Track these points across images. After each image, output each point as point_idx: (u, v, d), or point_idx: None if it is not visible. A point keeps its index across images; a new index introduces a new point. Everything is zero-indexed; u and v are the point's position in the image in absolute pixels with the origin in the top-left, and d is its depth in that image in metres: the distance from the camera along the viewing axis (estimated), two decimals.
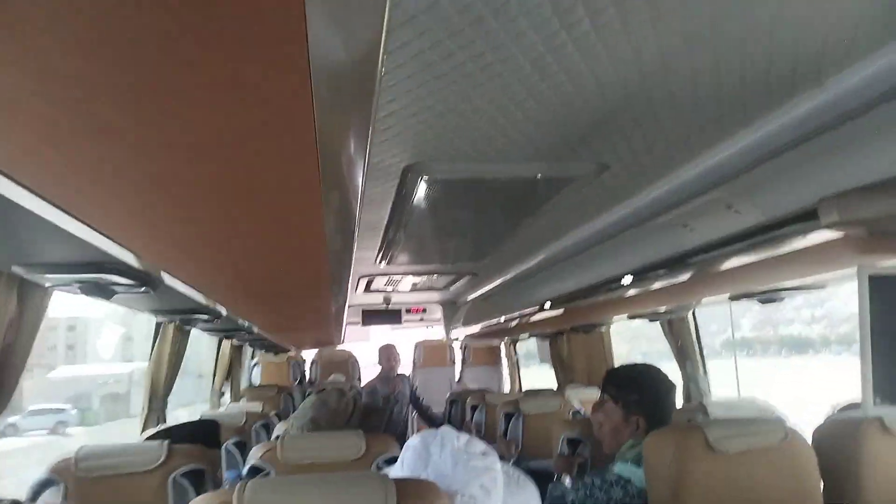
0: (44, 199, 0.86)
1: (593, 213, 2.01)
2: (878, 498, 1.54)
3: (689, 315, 3.41)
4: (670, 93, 1.15)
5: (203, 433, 2.30)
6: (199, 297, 2.12)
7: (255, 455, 1.80)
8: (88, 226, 1.02)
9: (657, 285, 2.37)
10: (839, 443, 1.62)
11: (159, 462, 1.68)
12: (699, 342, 3.45)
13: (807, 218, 1.29)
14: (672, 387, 1.84)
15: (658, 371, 1.87)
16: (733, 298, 2.55)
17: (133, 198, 0.90)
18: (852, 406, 2.02)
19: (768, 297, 2.40)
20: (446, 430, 1.15)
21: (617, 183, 1.69)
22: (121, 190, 0.86)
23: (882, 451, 1.55)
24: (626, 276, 2.25)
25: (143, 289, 1.67)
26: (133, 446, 1.75)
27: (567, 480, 2.06)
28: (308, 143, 0.71)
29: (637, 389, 1.82)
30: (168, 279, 1.69)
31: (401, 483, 0.99)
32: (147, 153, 0.73)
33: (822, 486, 1.59)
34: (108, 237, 1.12)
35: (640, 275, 2.19)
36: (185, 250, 1.33)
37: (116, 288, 1.65)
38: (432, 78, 1.04)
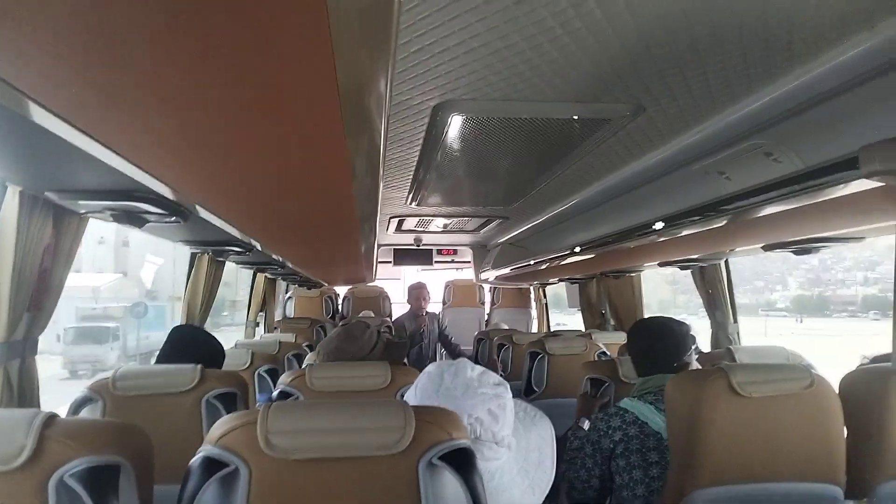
0: (72, 125, 0.88)
1: (628, 157, 1.97)
2: None
3: (721, 264, 3.37)
4: (713, 33, 1.10)
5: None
6: (230, 230, 2.17)
7: (284, 380, 1.87)
8: (117, 153, 1.05)
9: (689, 232, 2.34)
10: (867, 392, 1.61)
11: (193, 384, 1.76)
12: (731, 291, 3.42)
13: (847, 167, 1.25)
14: (660, 336, 1.95)
15: (653, 322, 2.03)
16: (767, 248, 2.51)
17: (158, 126, 0.92)
18: (882, 358, 2.00)
19: (803, 248, 2.35)
20: (463, 360, 1.18)
21: (653, 126, 1.65)
22: (146, 118, 0.88)
23: None
24: (657, 223, 2.22)
25: (173, 219, 1.72)
26: (168, 368, 1.82)
27: (586, 424, 2.10)
28: (328, 80, 0.71)
29: (630, 338, 2.06)
30: (199, 211, 1.73)
31: (420, 409, 1.03)
32: (169, 84, 0.74)
33: (845, 434, 1.60)
34: (137, 166, 1.15)
35: (673, 221, 2.17)
36: (213, 182, 1.36)
37: (148, 217, 1.70)
38: (464, 12, 1.02)
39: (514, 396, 1.23)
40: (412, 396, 1.19)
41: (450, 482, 0.99)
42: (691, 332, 1.96)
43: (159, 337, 5.92)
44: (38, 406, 1.75)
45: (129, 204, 1.59)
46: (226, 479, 0.96)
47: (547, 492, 1.07)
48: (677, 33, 1.11)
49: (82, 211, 1.73)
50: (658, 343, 1.93)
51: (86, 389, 1.71)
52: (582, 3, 0.99)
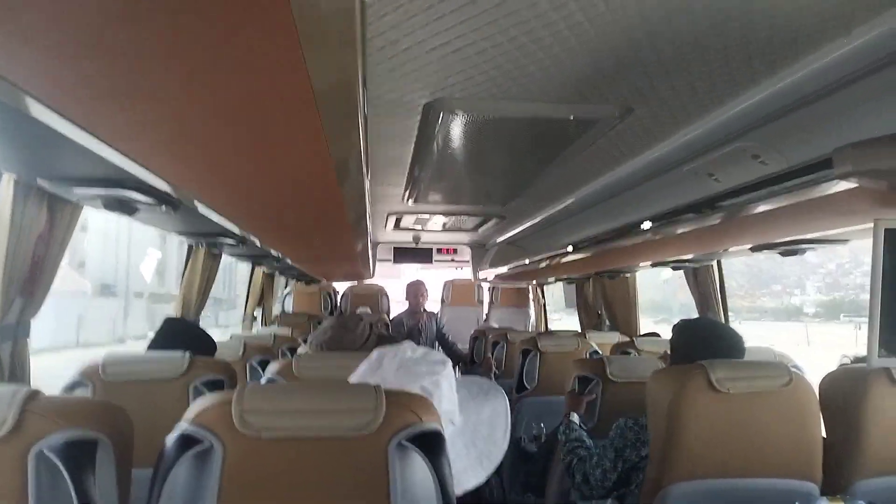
0: (62, 115, 0.92)
1: (620, 158, 2.00)
2: (879, 445, 1.58)
3: (714, 265, 3.41)
4: (695, 37, 1.13)
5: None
6: (221, 221, 2.20)
7: (272, 369, 1.88)
8: (106, 143, 1.09)
9: (680, 230, 2.37)
10: (845, 392, 1.64)
11: (182, 371, 1.79)
12: (723, 292, 3.45)
13: (825, 167, 1.28)
14: (709, 339, 1.81)
15: (702, 324, 1.92)
16: (755, 249, 2.54)
17: (145, 118, 0.96)
18: (863, 359, 2.02)
19: (789, 250, 2.38)
20: (406, 342, 1.21)
21: (642, 127, 1.68)
22: (133, 110, 0.91)
23: (886, 400, 1.58)
24: (646, 222, 2.26)
25: (163, 208, 1.75)
26: (157, 355, 1.85)
27: (575, 418, 2.13)
28: (302, 83, 0.75)
29: (676, 338, 1.90)
30: (186, 200, 1.77)
31: (392, 393, 1.06)
32: (155, 78, 0.78)
33: (823, 433, 1.63)
34: (125, 155, 1.18)
35: (662, 220, 2.20)
36: (199, 175, 1.39)
37: (137, 205, 1.74)
38: (448, 13, 1.04)
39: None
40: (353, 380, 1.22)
41: (418, 464, 1.02)
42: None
43: None
44: (29, 385, 1.79)
45: (118, 192, 1.62)
46: (200, 455, 0.99)
47: (497, 463, 1.10)
48: (660, 37, 1.14)
49: (75, 199, 1.77)
50: (707, 349, 1.73)
51: (76, 374, 1.74)
52: (563, 6, 1.02)
